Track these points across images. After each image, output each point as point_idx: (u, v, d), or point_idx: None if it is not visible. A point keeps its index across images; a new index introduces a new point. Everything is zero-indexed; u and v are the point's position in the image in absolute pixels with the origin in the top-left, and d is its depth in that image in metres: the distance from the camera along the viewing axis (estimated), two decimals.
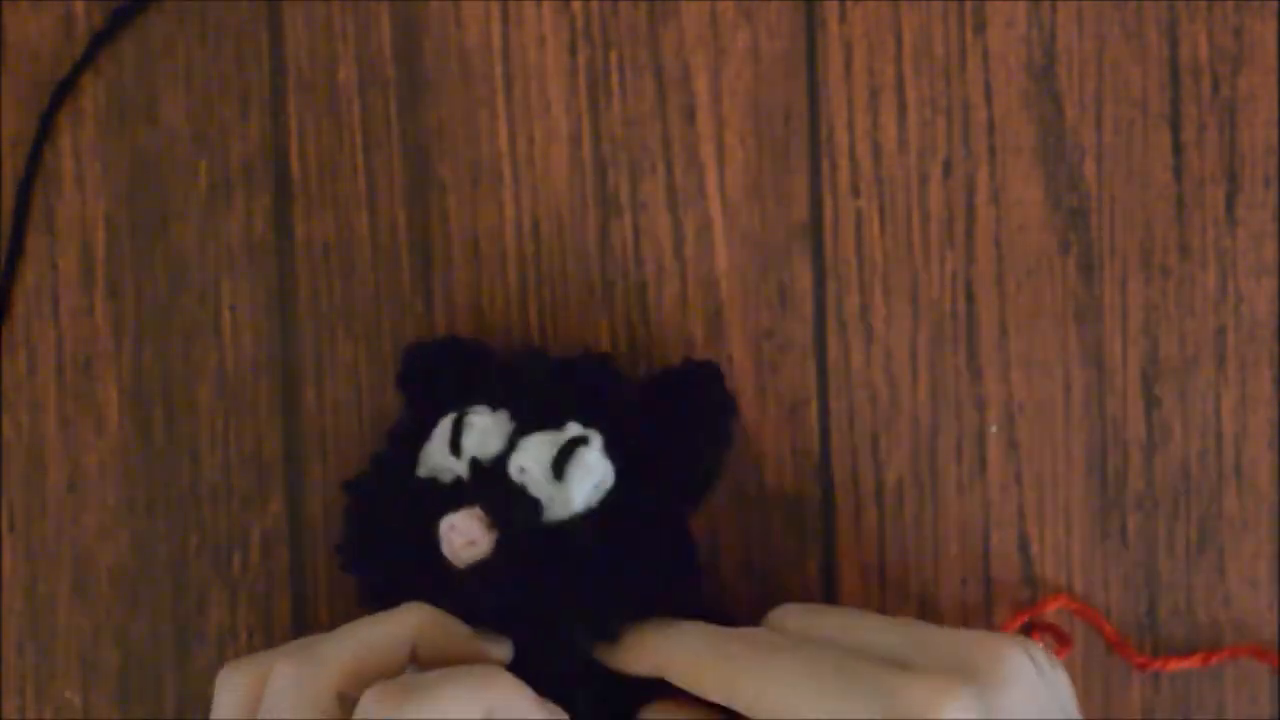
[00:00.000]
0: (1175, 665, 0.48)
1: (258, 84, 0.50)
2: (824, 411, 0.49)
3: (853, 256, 0.49)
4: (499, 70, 0.50)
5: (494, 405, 0.46)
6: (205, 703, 0.49)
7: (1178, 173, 0.49)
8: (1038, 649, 0.42)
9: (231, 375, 0.50)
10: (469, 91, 0.50)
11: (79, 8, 0.50)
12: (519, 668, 0.43)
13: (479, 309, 0.50)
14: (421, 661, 0.42)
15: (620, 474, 0.45)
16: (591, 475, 0.44)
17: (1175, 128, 0.49)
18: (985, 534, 0.49)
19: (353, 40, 0.50)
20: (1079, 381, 0.49)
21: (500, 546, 0.44)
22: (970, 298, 0.49)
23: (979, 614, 0.49)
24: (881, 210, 0.49)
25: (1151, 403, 0.49)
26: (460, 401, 0.46)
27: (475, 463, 0.45)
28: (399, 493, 0.46)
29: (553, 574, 0.44)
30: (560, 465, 0.44)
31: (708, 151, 0.50)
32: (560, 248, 0.50)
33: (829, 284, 0.49)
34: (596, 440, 0.45)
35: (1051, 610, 0.49)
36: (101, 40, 0.50)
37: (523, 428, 0.45)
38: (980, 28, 0.49)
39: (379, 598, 0.45)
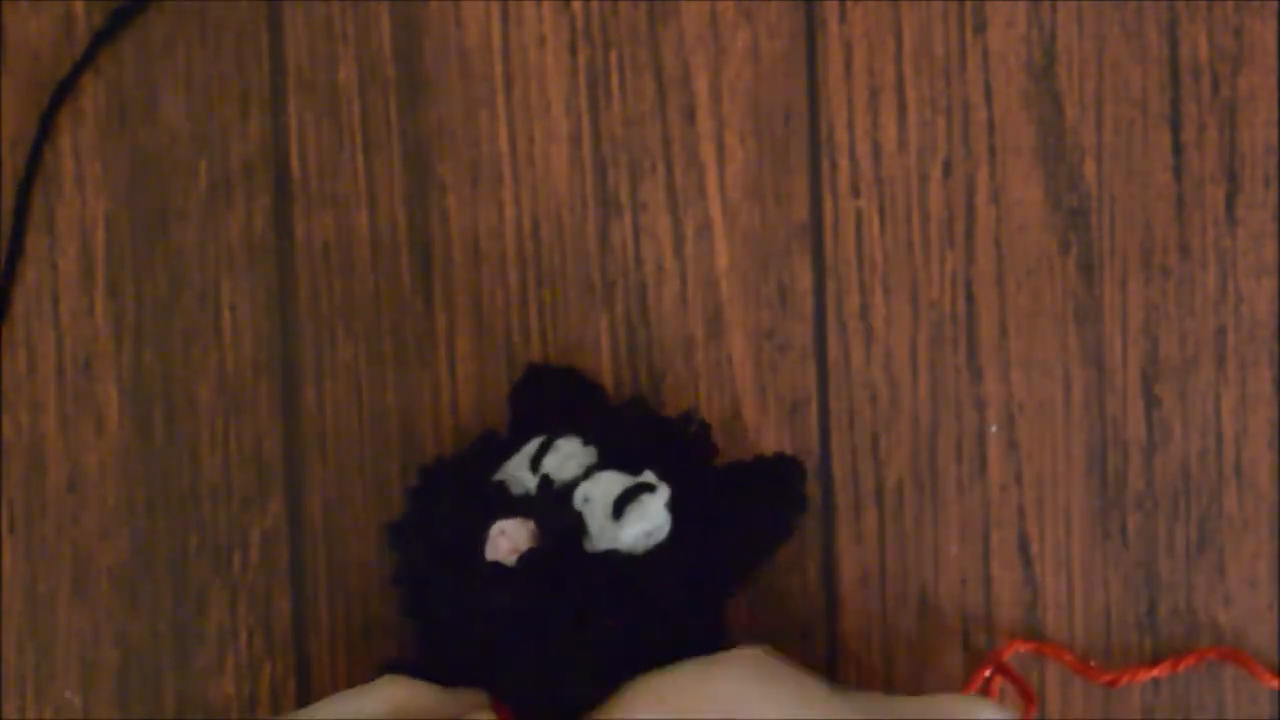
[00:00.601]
0: (1144, 676, 0.48)
1: (258, 84, 0.50)
2: (824, 411, 0.49)
3: (853, 256, 0.49)
4: (499, 70, 0.50)
5: (586, 439, 0.46)
6: (205, 703, 0.49)
7: (1178, 173, 0.49)
8: (1000, 710, 0.43)
9: (231, 375, 0.50)
10: (469, 91, 0.50)
11: (79, 8, 0.50)
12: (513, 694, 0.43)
13: (479, 309, 0.50)
14: None
15: (675, 538, 0.45)
16: (646, 520, 0.44)
17: (1175, 128, 0.49)
18: (985, 534, 0.49)
19: (353, 40, 0.50)
20: (1079, 381, 0.49)
21: (533, 554, 0.44)
22: (970, 298, 0.49)
23: (979, 614, 0.49)
24: (881, 210, 0.49)
25: (1151, 403, 0.49)
26: (558, 430, 0.46)
27: (545, 479, 0.45)
28: (467, 488, 0.46)
29: (569, 597, 0.43)
30: (621, 505, 0.44)
31: (708, 151, 0.50)
32: (560, 248, 0.50)
33: (829, 284, 0.49)
34: (664, 492, 0.44)
35: (1010, 654, 0.48)
36: (101, 40, 0.50)
37: (603, 464, 0.45)
38: (980, 28, 0.49)
39: (414, 582, 0.46)
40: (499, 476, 0.46)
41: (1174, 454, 0.49)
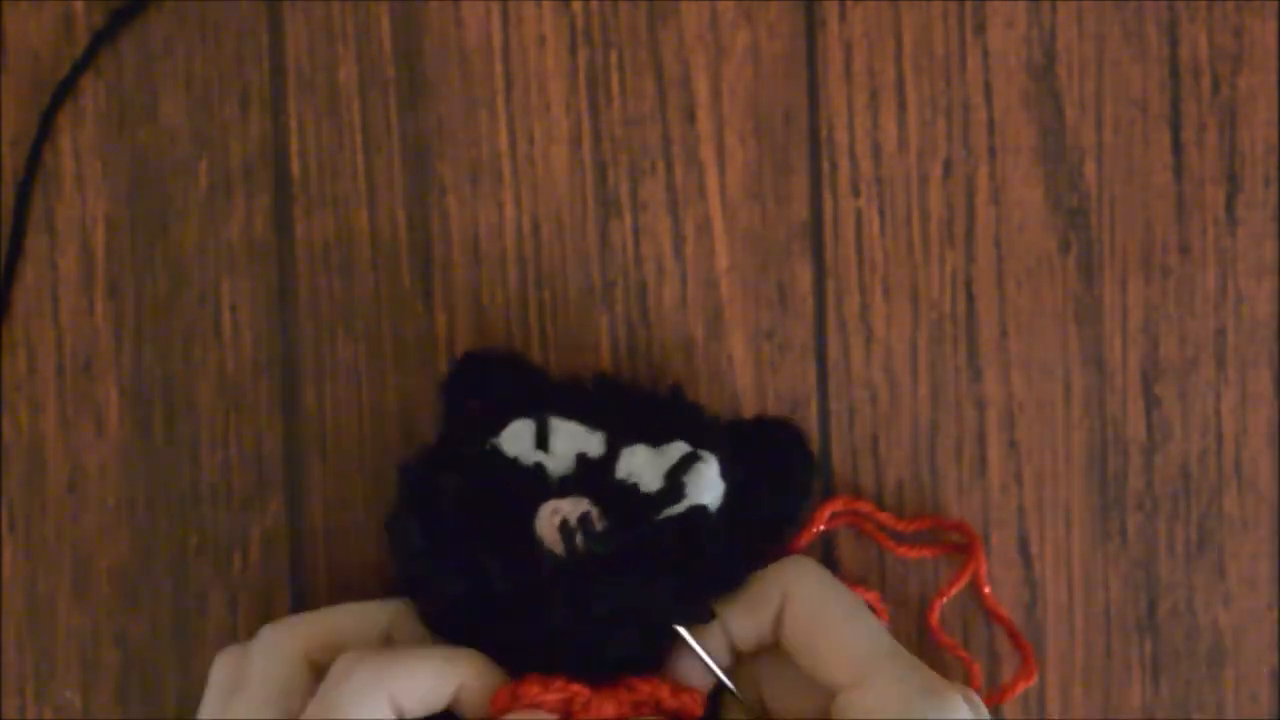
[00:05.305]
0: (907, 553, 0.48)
1: (258, 84, 0.50)
2: (824, 411, 0.49)
3: (853, 256, 0.49)
4: (499, 70, 0.50)
5: (579, 418, 0.45)
6: None
7: (1178, 173, 0.49)
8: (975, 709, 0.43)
9: (231, 375, 0.50)
10: (469, 91, 0.50)
11: (79, 8, 0.50)
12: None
13: (479, 309, 0.50)
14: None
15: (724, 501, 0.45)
16: (711, 489, 0.44)
17: (1175, 128, 0.49)
18: (985, 534, 0.49)
19: (353, 40, 0.50)
20: (1079, 381, 0.49)
21: (614, 536, 0.44)
22: (970, 298, 0.49)
23: (978, 615, 0.49)
24: (881, 210, 0.49)
25: (1151, 403, 0.49)
26: (517, 413, 0.46)
27: (583, 458, 0.45)
28: (480, 472, 0.45)
29: (646, 562, 0.43)
30: (676, 475, 0.44)
31: (708, 151, 0.50)
32: (560, 248, 0.50)
33: (829, 284, 0.49)
34: (713, 460, 0.45)
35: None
36: (101, 40, 0.50)
37: (617, 440, 0.45)
38: (980, 28, 0.49)
39: (437, 582, 0.44)
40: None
41: (1174, 454, 0.49)
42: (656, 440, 0.45)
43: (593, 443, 0.45)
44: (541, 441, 0.45)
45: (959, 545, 0.48)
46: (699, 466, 0.44)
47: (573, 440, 0.45)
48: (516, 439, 0.45)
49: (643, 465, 0.45)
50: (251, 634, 0.49)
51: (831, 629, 0.43)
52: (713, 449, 0.45)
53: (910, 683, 0.42)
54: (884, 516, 0.48)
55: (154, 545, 0.50)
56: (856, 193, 0.49)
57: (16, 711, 0.50)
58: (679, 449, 0.45)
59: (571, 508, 0.44)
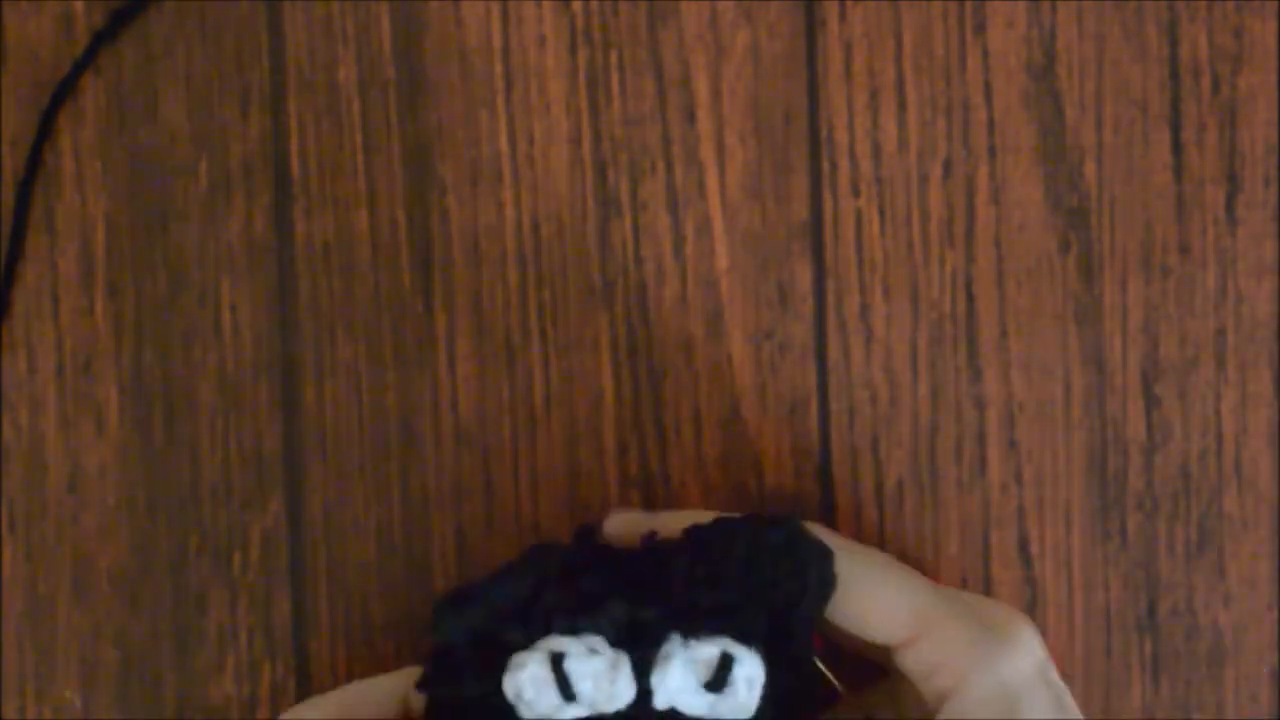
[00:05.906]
0: None
1: (258, 84, 0.50)
2: (824, 411, 0.49)
3: (853, 256, 0.49)
4: (499, 70, 0.50)
5: (579, 631, 0.41)
6: (205, 703, 0.49)
7: (1178, 173, 0.49)
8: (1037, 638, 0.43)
9: (231, 375, 0.50)
10: (469, 91, 0.50)
11: (79, 8, 0.50)
12: None
13: (479, 309, 0.50)
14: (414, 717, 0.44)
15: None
16: (756, 686, 0.41)
17: (1175, 128, 0.49)
18: (985, 534, 0.49)
19: (353, 40, 0.50)
20: (1079, 381, 0.49)
21: None
22: (970, 298, 0.49)
23: None
24: (881, 210, 0.49)
25: (1151, 403, 0.49)
26: (513, 622, 0.41)
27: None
28: None
29: None
30: (719, 682, 0.40)
31: (708, 151, 0.50)
32: (560, 248, 0.50)
33: (829, 284, 0.49)
34: (748, 658, 0.41)
35: None
36: (101, 40, 0.50)
37: (640, 656, 0.40)
38: (980, 28, 0.49)
39: None
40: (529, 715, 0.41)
41: (1174, 454, 0.49)
42: (665, 633, 0.41)
43: (622, 683, 0.40)
44: (564, 688, 0.40)
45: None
46: (737, 671, 0.40)
47: (596, 680, 0.40)
48: (537, 693, 0.40)
49: (679, 685, 0.40)
50: (251, 634, 0.49)
51: (874, 588, 0.41)
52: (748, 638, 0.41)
53: (972, 621, 0.41)
54: None
55: (154, 545, 0.50)
56: (856, 193, 0.49)
57: (16, 711, 0.50)
58: (711, 648, 0.40)
59: None
